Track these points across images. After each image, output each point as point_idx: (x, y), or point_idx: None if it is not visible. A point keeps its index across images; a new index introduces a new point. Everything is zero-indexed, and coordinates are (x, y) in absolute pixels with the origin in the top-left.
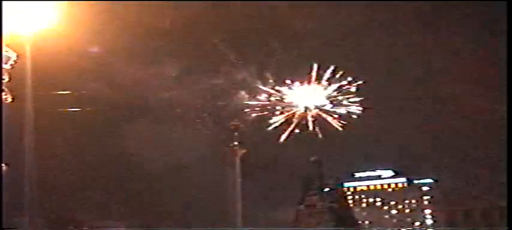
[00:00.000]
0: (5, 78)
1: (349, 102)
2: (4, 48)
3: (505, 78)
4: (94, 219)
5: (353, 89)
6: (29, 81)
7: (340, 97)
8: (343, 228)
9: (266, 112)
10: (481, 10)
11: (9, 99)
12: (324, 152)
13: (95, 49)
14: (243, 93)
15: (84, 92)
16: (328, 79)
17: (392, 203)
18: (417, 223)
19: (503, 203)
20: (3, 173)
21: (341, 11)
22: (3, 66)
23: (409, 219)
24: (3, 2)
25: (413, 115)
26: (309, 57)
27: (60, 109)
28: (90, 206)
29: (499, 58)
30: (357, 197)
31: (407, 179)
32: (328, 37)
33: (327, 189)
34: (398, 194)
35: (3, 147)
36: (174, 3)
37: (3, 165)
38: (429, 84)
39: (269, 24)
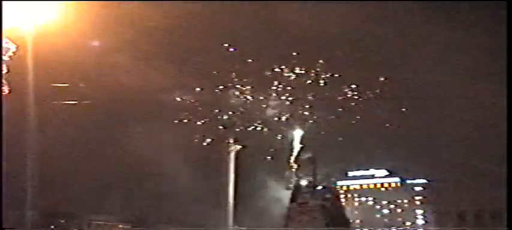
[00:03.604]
0: (4, 69)
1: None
2: (4, 40)
3: (504, 78)
4: (88, 213)
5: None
6: (30, 74)
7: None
8: (333, 227)
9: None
10: (480, 9)
11: (6, 91)
12: (318, 149)
13: (96, 44)
14: (239, 92)
15: (82, 86)
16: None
17: (384, 202)
18: (408, 223)
19: (496, 205)
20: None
21: (341, 8)
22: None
23: (400, 219)
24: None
25: (408, 115)
26: (308, 53)
27: (56, 102)
28: (85, 200)
29: (498, 58)
30: (349, 196)
31: (401, 179)
32: (327, 36)
33: (320, 187)
34: (390, 194)
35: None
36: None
37: None
38: (425, 83)
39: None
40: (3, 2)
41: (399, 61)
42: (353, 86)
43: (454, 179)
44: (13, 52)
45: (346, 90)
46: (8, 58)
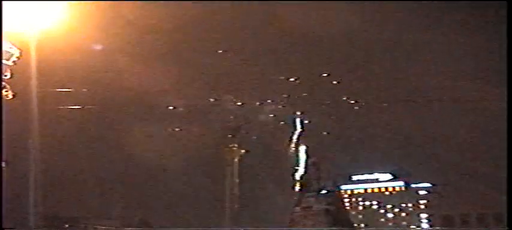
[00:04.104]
0: (7, 74)
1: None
2: (8, 45)
3: (505, 78)
4: (93, 218)
5: None
6: (33, 79)
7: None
8: None
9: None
10: (481, 9)
11: (10, 96)
12: (322, 154)
13: (99, 47)
14: (244, 93)
15: (86, 90)
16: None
17: (389, 206)
18: (413, 227)
19: (500, 208)
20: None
21: (341, 8)
22: (6, 62)
23: (404, 223)
24: (8, 1)
25: (412, 118)
26: (308, 56)
27: (60, 107)
28: (89, 204)
29: (499, 59)
30: (353, 200)
31: (405, 182)
32: (329, 39)
33: (324, 191)
34: (395, 197)
35: (4, 145)
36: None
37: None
38: (429, 85)
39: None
40: (6, 4)
41: (403, 64)
42: (356, 89)
43: (459, 182)
44: (17, 57)
45: (348, 93)
46: (12, 64)
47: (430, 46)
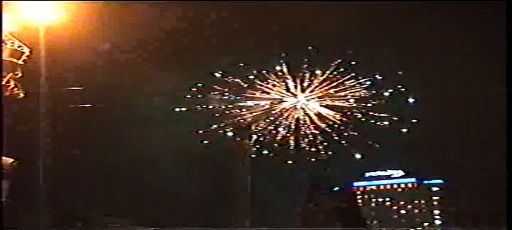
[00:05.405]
0: (18, 73)
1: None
2: (16, 44)
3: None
4: (104, 216)
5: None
6: (43, 77)
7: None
8: (350, 227)
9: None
10: (482, 10)
11: (22, 95)
12: (334, 150)
13: (106, 46)
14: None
15: (94, 89)
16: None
17: (402, 203)
18: (426, 223)
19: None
20: (12, 169)
21: (351, 8)
22: (16, 61)
23: (418, 219)
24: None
25: (423, 115)
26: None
27: (70, 106)
28: (99, 203)
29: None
30: (366, 196)
31: (417, 179)
32: (336, 34)
33: (336, 188)
34: (407, 194)
35: (14, 143)
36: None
37: (11, 160)
38: (439, 83)
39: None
40: (10, 3)
41: (414, 63)
42: (368, 87)
43: (470, 179)
44: (27, 56)
45: (361, 91)
46: (22, 63)
47: (439, 47)
